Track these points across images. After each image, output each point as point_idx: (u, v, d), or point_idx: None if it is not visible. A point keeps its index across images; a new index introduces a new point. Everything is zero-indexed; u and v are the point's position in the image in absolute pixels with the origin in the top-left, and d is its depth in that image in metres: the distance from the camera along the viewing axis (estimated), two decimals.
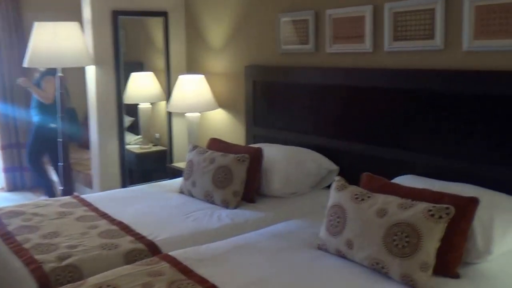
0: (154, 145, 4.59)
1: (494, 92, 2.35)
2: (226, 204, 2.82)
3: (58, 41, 3.67)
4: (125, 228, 2.51)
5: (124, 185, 4.17)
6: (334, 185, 2.30)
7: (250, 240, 2.35)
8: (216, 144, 3.22)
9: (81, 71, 4.27)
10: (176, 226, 2.55)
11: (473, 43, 2.42)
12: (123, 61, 4.10)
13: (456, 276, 1.93)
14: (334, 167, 3.06)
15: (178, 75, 4.14)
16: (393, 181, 2.45)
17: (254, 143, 3.59)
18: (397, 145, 2.77)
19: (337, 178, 2.33)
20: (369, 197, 2.13)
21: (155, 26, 4.38)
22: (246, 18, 3.73)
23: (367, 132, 2.92)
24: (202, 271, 2.03)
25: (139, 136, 4.57)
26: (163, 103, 4.45)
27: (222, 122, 4.08)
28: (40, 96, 4.42)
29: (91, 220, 2.64)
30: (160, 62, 4.43)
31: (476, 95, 2.41)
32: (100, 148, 4.07)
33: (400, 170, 2.64)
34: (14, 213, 2.75)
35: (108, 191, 3.25)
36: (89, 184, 4.40)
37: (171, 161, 4.40)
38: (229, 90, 3.97)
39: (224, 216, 2.68)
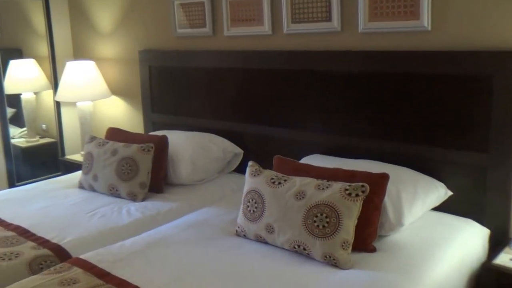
0: (41, 137, 4.15)
1: (386, 71, 2.42)
2: (133, 197, 2.63)
3: None
4: (24, 233, 2.23)
5: (11, 183, 3.72)
6: (248, 170, 2.24)
7: (165, 234, 2.21)
8: (116, 134, 2.98)
9: None
10: (83, 225, 2.32)
11: (367, 24, 2.47)
12: None
13: (373, 250, 1.97)
14: (238, 150, 3.01)
15: (65, 62, 3.76)
16: (301, 161, 2.47)
17: (154, 130, 3.41)
18: (297, 126, 2.78)
19: (250, 163, 2.28)
20: (285, 180, 2.10)
21: (34, 8, 3.90)
22: (138, 0, 3.48)
23: (268, 114, 2.90)
24: (120, 272, 1.87)
25: (23, 129, 4.09)
26: (49, 92, 4.02)
27: (117, 110, 3.80)
28: None
29: None
30: (42, 48, 3.98)
31: (368, 74, 2.48)
32: None
33: (301, 150, 2.65)
34: None
35: (6, 191, 2.86)
36: None
37: (63, 154, 4.02)
38: (122, 76, 3.71)
39: (133, 210, 2.50)
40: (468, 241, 2.10)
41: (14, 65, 3.83)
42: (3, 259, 1.99)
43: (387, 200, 2.05)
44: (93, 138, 2.92)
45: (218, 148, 2.94)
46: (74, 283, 1.78)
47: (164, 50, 3.38)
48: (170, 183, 2.83)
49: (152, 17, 3.42)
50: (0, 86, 3.63)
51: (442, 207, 2.27)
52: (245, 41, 2.97)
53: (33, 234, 2.21)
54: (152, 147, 2.69)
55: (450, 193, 2.26)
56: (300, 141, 2.76)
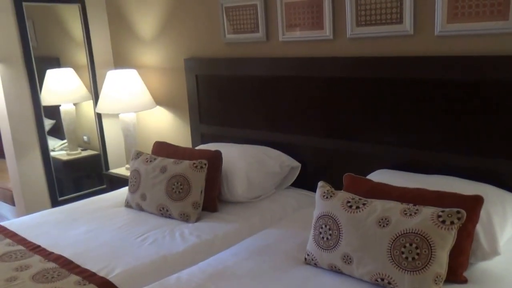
0: (83, 150, 3.84)
1: (459, 78, 2.03)
2: (185, 218, 2.27)
3: None
4: (67, 264, 1.87)
5: (53, 198, 3.42)
6: (319, 192, 1.86)
7: (226, 264, 1.83)
8: (163, 149, 2.63)
9: None
10: (132, 253, 1.95)
11: (445, 27, 2.06)
12: (33, 56, 3.31)
13: (464, 281, 1.62)
14: (295, 163, 2.62)
15: (105, 71, 3.45)
16: (368, 177, 2.08)
17: (202, 142, 3.04)
18: (360, 138, 2.38)
19: (321, 183, 1.89)
20: (364, 204, 1.72)
21: (71, 15, 3.60)
22: (181, 5, 3.12)
23: (327, 125, 2.51)
24: None
25: (63, 141, 3.79)
26: (89, 102, 3.72)
27: (162, 122, 3.45)
28: None
29: (20, 258, 1.95)
30: (81, 57, 3.67)
31: (441, 81, 2.08)
32: (17, 159, 3.27)
33: (365, 164, 2.28)
34: None
35: (36, 214, 2.52)
36: (9, 200, 3.56)
37: (107, 168, 3.70)
38: (167, 86, 3.35)
39: (187, 233, 2.13)
40: None
41: (52, 74, 3.53)
42: None
43: (478, 224, 1.67)
44: (139, 154, 2.57)
45: (275, 162, 2.56)
46: None
47: (212, 57, 3.01)
48: (224, 201, 2.46)
49: (198, 23, 3.06)
50: (37, 97, 3.33)
51: None
52: (303, 46, 2.57)
53: (77, 266, 1.86)
54: (205, 164, 2.32)
55: None
56: (363, 155, 2.37)
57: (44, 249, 2.02)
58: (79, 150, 3.82)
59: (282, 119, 2.70)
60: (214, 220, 2.27)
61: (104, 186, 3.64)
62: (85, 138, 3.88)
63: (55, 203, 3.43)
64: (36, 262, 1.90)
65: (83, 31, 3.56)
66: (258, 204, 2.45)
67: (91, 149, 3.85)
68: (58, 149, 3.66)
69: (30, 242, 2.10)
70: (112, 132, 3.75)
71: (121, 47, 3.64)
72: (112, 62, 3.69)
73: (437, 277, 1.52)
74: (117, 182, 3.33)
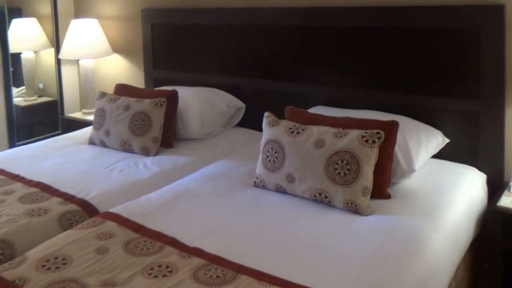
0: (39, 96, 3.87)
1: (385, 25, 2.35)
2: (146, 152, 2.49)
3: None
4: (48, 189, 2.06)
5: (12, 142, 3.47)
6: (265, 121, 2.12)
7: (188, 187, 2.09)
8: (125, 90, 2.78)
9: None
10: (104, 180, 2.17)
11: None
12: None
13: (388, 196, 1.91)
14: (241, 104, 2.87)
15: (66, 21, 3.48)
16: None
17: (155, 87, 3.21)
18: (296, 79, 2.67)
19: (267, 113, 2.15)
20: (303, 129, 1.99)
21: None
22: None
23: (268, 68, 2.78)
24: (153, 225, 1.75)
25: (20, 88, 3.79)
26: (47, 51, 3.72)
27: (118, 68, 3.56)
28: None
29: (3, 185, 2.12)
30: (42, 7, 3.65)
31: (367, 28, 2.40)
32: None
33: (301, 103, 2.52)
34: None
35: (9, 150, 2.64)
36: None
37: (63, 113, 3.77)
38: (124, 35, 3.45)
39: (150, 164, 2.36)
40: (471, 185, 2.08)
41: (16, 24, 3.51)
42: (32, 216, 1.84)
43: (396, 147, 1.97)
44: (103, 94, 2.71)
45: (223, 102, 2.80)
46: (110, 237, 1.67)
47: (166, 8, 3.14)
48: (179, 138, 2.69)
49: None
50: (5, 45, 3.32)
51: (440, 155, 2.24)
52: None
53: (57, 190, 2.06)
54: (164, 102, 2.53)
55: (447, 140, 2.22)
56: (299, 94, 2.67)
57: (23, 178, 2.18)
58: (35, 97, 3.84)
59: (229, 63, 2.94)
60: (172, 154, 2.51)
61: (59, 131, 3.73)
62: (40, 85, 3.89)
63: (12, 147, 3.48)
64: (19, 188, 2.07)
65: None
66: (209, 141, 2.70)
67: (46, 96, 3.88)
68: (15, 96, 3.67)
69: (9, 173, 2.25)
70: (68, 79, 3.79)
71: None
72: (73, 13, 3.70)
73: (364, 189, 1.80)
74: (74, 125, 3.42)
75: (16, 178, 2.19)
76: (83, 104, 3.70)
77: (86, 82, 3.42)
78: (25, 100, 3.77)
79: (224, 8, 2.87)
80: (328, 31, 2.52)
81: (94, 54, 3.33)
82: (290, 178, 1.95)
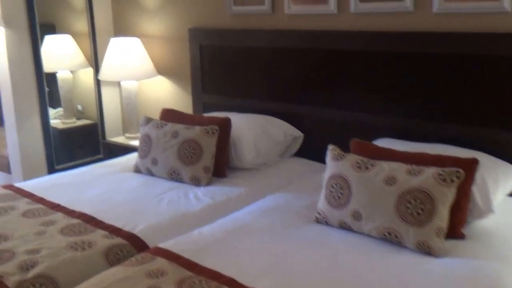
0: (78, 119, 3.96)
1: (459, 52, 2.28)
2: (196, 182, 2.46)
3: None
4: (91, 220, 2.05)
5: (50, 166, 3.55)
6: (329, 155, 2.08)
7: (243, 221, 2.04)
8: (172, 115, 2.79)
9: None
10: (152, 211, 2.14)
11: (443, 4, 2.30)
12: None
13: (462, 236, 1.85)
14: (298, 133, 2.82)
15: (104, 39, 3.57)
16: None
17: (204, 112, 3.21)
18: (361, 109, 2.61)
19: (331, 146, 2.11)
20: (372, 165, 1.94)
21: None
22: None
23: (329, 96, 2.72)
24: (208, 263, 1.70)
25: (58, 109, 3.90)
26: (86, 70, 3.82)
27: (162, 91, 3.60)
28: None
29: (43, 214, 2.12)
30: (78, 24, 3.76)
31: (438, 55, 2.33)
32: (17, 126, 3.38)
33: (365, 134, 2.46)
34: None
35: (48, 176, 2.68)
36: (5, 168, 3.67)
37: (104, 137, 3.83)
38: (169, 55, 3.50)
39: (201, 195, 2.32)
40: None
41: (50, 41, 3.62)
42: (76, 249, 1.82)
43: (473, 186, 1.91)
44: (149, 120, 2.73)
45: (279, 131, 2.76)
46: (162, 275, 1.62)
47: (216, 28, 3.17)
48: (232, 167, 2.65)
49: None
50: (39, 64, 3.43)
51: None
52: (308, 20, 2.77)
53: (101, 222, 2.04)
54: (216, 130, 2.51)
55: None
56: (364, 125, 2.60)
57: (64, 207, 2.19)
58: (73, 119, 3.94)
59: (284, 89, 2.90)
60: (224, 184, 2.47)
61: (101, 155, 3.78)
62: (79, 107, 3.99)
63: (52, 172, 3.55)
64: (60, 218, 2.07)
65: None
66: (265, 171, 2.65)
67: (85, 119, 3.97)
68: (52, 117, 3.77)
69: (49, 201, 2.26)
70: (109, 101, 3.87)
71: (122, 15, 3.74)
72: (112, 30, 3.80)
73: (439, 230, 1.75)
74: (116, 150, 3.48)
75: (56, 207, 2.20)
76: (126, 128, 3.75)
77: (128, 105, 3.47)
78: (63, 123, 3.86)
79: (279, 30, 2.87)
80: (393, 57, 2.46)
81: (137, 75, 3.39)
82: (357, 216, 1.90)
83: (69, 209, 2.17)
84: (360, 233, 1.92)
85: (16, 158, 3.47)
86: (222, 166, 2.56)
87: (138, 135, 3.51)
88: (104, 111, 3.84)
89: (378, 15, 2.52)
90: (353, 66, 2.61)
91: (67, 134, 3.84)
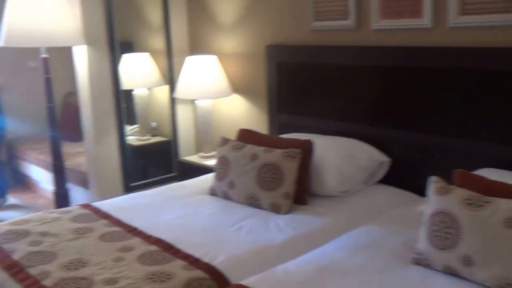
0: (152, 136, 3.94)
1: None
2: (276, 209, 2.29)
3: (40, 16, 2.92)
4: (169, 248, 1.93)
5: (126, 183, 3.53)
6: (433, 188, 1.82)
7: (333, 259, 1.83)
8: (249, 136, 2.65)
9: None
10: (231, 242, 1.99)
11: None
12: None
13: None
14: (384, 158, 2.58)
15: (180, 56, 3.53)
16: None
17: (280, 132, 3.05)
18: (456, 133, 2.32)
19: (435, 178, 1.85)
20: (486, 202, 1.67)
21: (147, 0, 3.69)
22: None
23: (419, 118, 2.46)
24: None
25: (134, 126, 3.90)
26: (161, 88, 3.80)
27: (237, 110, 3.48)
28: None
29: (120, 239, 2.03)
30: (155, 42, 3.76)
31: None
32: (96, 142, 3.39)
33: (462, 161, 2.15)
34: (15, 234, 2.08)
35: (124, 196, 2.62)
36: (84, 184, 3.70)
37: (177, 155, 3.77)
38: (245, 73, 3.38)
39: (282, 225, 2.15)
40: None
41: (128, 59, 3.63)
42: (155, 281, 1.69)
43: None
44: (226, 141, 2.60)
45: (364, 155, 2.54)
46: None
47: (295, 45, 3.02)
48: (313, 194, 2.46)
49: (282, 8, 3.06)
50: (117, 81, 3.43)
51: None
52: (396, 35, 2.54)
53: (179, 250, 1.91)
54: (298, 153, 2.33)
55: None
56: (459, 151, 2.31)
57: (141, 232, 2.09)
58: (148, 136, 3.92)
59: (367, 110, 2.68)
60: (306, 213, 2.28)
61: (175, 173, 3.73)
62: (153, 124, 3.97)
63: (127, 189, 3.53)
64: (138, 244, 1.97)
65: (163, 16, 3.61)
66: (349, 199, 2.44)
67: (159, 136, 3.95)
68: (128, 134, 3.77)
69: (126, 224, 2.17)
70: (183, 118, 3.82)
71: (198, 33, 3.69)
72: (187, 48, 3.75)
73: None
74: (189, 170, 3.40)
75: (134, 231, 2.10)
76: (199, 146, 3.67)
77: (203, 124, 3.38)
78: (138, 140, 3.85)
79: (364, 46, 2.66)
80: (501, 75, 2.16)
81: (212, 94, 3.30)
82: (467, 261, 1.63)
83: (146, 234, 2.07)
84: (472, 281, 1.64)
85: (94, 174, 3.48)
86: (303, 193, 2.37)
87: (212, 154, 3.45)
88: (178, 129, 3.79)
89: (482, 28, 2.23)
90: (447, 86, 2.34)
91: (141, 151, 3.82)
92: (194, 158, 3.47)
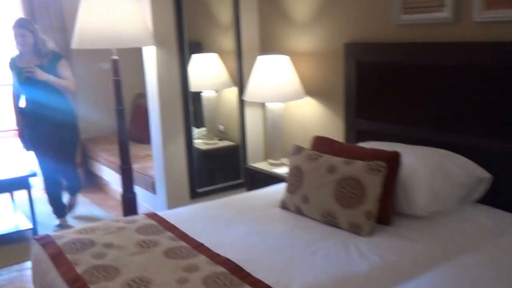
0: (219, 140, 3.78)
1: None
2: (356, 230, 2.01)
3: (111, 18, 2.84)
4: (237, 271, 1.72)
5: (193, 189, 3.39)
6: None
7: None
8: (326, 145, 2.39)
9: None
10: (305, 267, 1.74)
11: None
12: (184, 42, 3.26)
13: None
14: (485, 174, 2.22)
15: (250, 57, 3.34)
16: None
17: (358, 140, 2.76)
18: None
19: None
20: None
21: None
22: None
23: None
24: None
25: (201, 129, 3.76)
26: (230, 90, 3.63)
27: (310, 114, 3.22)
28: (66, 86, 3.40)
29: (185, 256, 1.85)
30: (224, 41, 3.59)
31: None
32: (163, 145, 3.28)
33: None
34: (80, 244, 1.98)
35: (191, 206, 2.46)
36: (151, 188, 3.61)
37: (245, 160, 3.59)
38: (320, 74, 3.12)
39: (365, 250, 1.86)
40: None
41: (197, 60, 3.48)
42: None
43: None
44: (300, 149, 2.36)
45: (460, 170, 2.19)
46: None
47: (378, 42, 2.71)
48: (398, 213, 2.15)
49: (363, 2, 2.76)
50: (185, 84, 3.30)
51: None
52: (505, 28, 2.15)
53: (249, 274, 1.69)
54: (383, 167, 2.04)
55: None
56: None
57: (208, 249, 1.90)
58: (215, 140, 3.76)
59: (465, 117, 2.32)
60: (392, 236, 1.98)
61: (242, 180, 3.55)
62: (221, 127, 3.82)
63: (194, 195, 3.40)
64: (203, 263, 1.78)
65: (233, 15, 3.44)
66: (441, 221, 2.10)
67: (227, 139, 3.78)
68: (195, 137, 3.63)
69: (192, 239, 2.00)
70: (252, 123, 3.63)
71: (269, 31, 3.47)
72: (258, 48, 3.55)
73: None
74: (257, 177, 3.20)
75: (200, 247, 1.92)
76: (268, 153, 3.46)
77: (273, 129, 3.16)
78: (206, 143, 3.71)
79: (464, 42, 2.31)
80: None
81: (283, 97, 3.06)
82: None
83: (213, 252, 1.88)
84: None
85: (161, 178, 3.37)
86: (388, 212, 2.08)
87: (282, 161, 3.22)
88: (247, 134, 3.60)
89: None
90: None
91: (208, 155, 3.67)
92: (262, 165, 3.26)
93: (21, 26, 3.30)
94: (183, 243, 1.97)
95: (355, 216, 2.03)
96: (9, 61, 3.44)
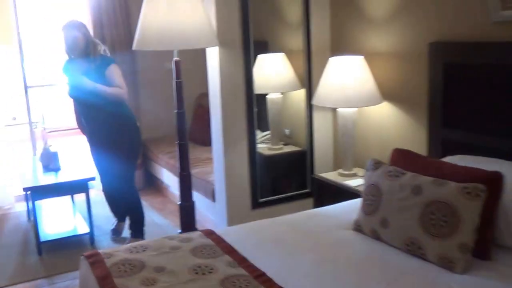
0: (284, 144, 3.53)
1: None
2: (448, 265, 1.68)
3: (174, 18, 2.67)
4: None
5: (254, 198, 3.16)
6: None
7: None
8: (409, 160, 2.06)
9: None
10: None
11: None
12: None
13: None
14: None
15: (319, 57, 3.07)
16: None
17: (445, 154, 2.39)
18: None
19: None
20: None
21: None
22: None
23: None
24: None
25: (266, 133, 3.53)
26: (297, 92, 3.36)
27: (388, 122, 2.87)
28: (114, 94, 3.15)
29: (245, 287, 1.62)
30: (292, 41, 3.33)
31: None
32: (225, 150, 3.07)
33: None
34: (130, 266, 1.79)
35: (252, 223, 2.21)
36: (210, 195, 3.43)
37: (312, 169, 3.31)
38: (400, 77, 2.77)
39: None
40: None
41: (262, 60, 3.24)
42: None
43: None
44: (379, 164, 2.05)
45: None
46: None
47: (471, 41, 2.33)
48: (497, 244, 1.79)
49: None
50: (250, 86, 3.07)
51: None
52: None
53: None
54: (483, 190, 1.70)
55: None
56: None
57: (270, 280, 1.65)
58: (280, 145, 3.51)
59: None
60: (492, 274, 1.63)
61: (308, 190, 3.28)
62: (286, 131, 3.56)
63: (255, 204, 3.17)
64: None
65: (302, 11, 3.17)
66: None
67: (292, 145, 3.52)
68: (259, 141, 3.39)
69: (252, 266, 1.76)
70: (320, 129, 3.33)
71: (342, 30, 3.16)
72: (329, 48, 3.25)
73: None
74: (326, 188, 2.91)
75: (261, 278, 1.67)
76: (338, 162, 3.17)
77: (344, 136, 2.86)
78: (270, 148, 3.47)
79: None
80: None
81: (357, 101, 2.75)
82: None
83: (276, 284, 1.62)
84: None
85: (221, 186, 3.17)
86: (486, 244, 1.73)
87: (354, 172, 2.91)
88: (315, 140, 3.31)
89: None
90: None
91: (272, 161, 3.42)
92: (332, 175, 2.96)
93: (72, 27, 3.15)
94: (242, 271, 1.73)
95: (446, 248, 1.69)
96: (62, 65, 3.36)
